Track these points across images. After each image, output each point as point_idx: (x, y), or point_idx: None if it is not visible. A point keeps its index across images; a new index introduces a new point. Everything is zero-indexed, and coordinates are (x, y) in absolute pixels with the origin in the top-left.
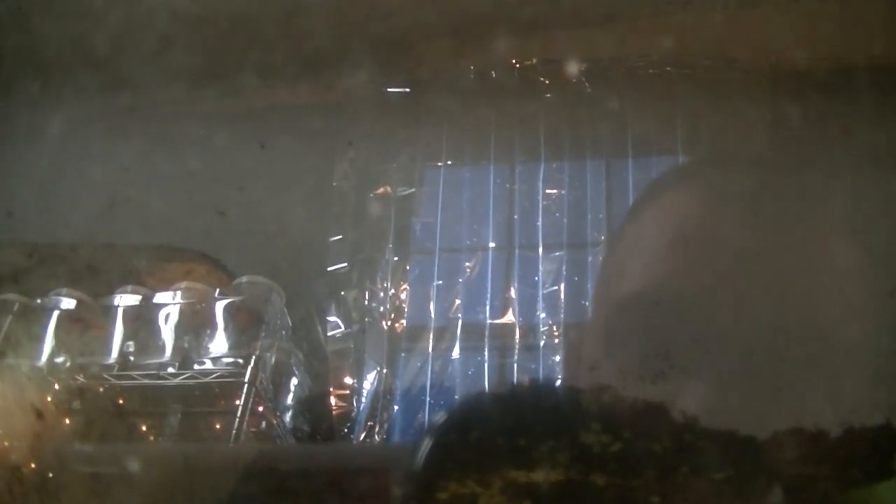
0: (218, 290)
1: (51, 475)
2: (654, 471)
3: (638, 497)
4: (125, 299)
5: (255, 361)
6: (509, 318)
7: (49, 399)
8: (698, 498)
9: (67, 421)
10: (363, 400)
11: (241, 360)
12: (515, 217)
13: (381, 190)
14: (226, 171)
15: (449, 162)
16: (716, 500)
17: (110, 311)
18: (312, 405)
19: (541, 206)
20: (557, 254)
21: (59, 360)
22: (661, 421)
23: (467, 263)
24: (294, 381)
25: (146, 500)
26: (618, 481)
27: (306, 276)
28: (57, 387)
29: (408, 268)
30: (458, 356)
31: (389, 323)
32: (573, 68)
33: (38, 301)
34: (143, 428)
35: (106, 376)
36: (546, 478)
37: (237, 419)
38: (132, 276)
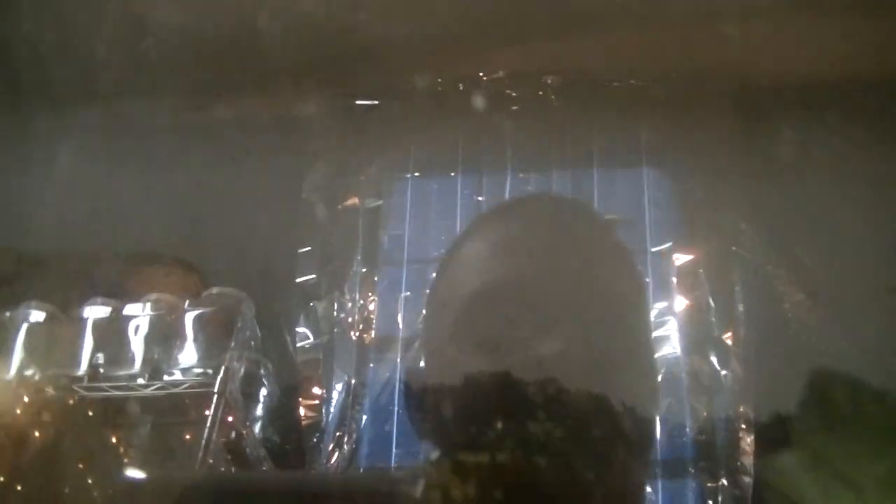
0: (188, 301)
1: (19, 488)
2: (591, 452)
3: (575, 475)
4: (95, 311)
5: (224, 372)
6: None
7: (18, 412)
8: (629, 474)
9: (37, 434)
10: (332, 410)
11: (210, 371)
12: None
13: (349, 202)
14: (196, 185)
15: (416, 174)
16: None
17: (80, 322)
18: (282, 415)
19: None
20: None
21: (29, 372)
22: (602, 410)
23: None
24: (263, 391)
25: None
26: (558, 461)
27: (275, 288)
28: (27, 399)
29: (376, 279)
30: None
31: (358, 333)
32: (540, 81)
33: (7, 314)
34: (114, 439)
35: (75, 388)
36: (492, 460)
37: (207, 429)
38: (118, 280)
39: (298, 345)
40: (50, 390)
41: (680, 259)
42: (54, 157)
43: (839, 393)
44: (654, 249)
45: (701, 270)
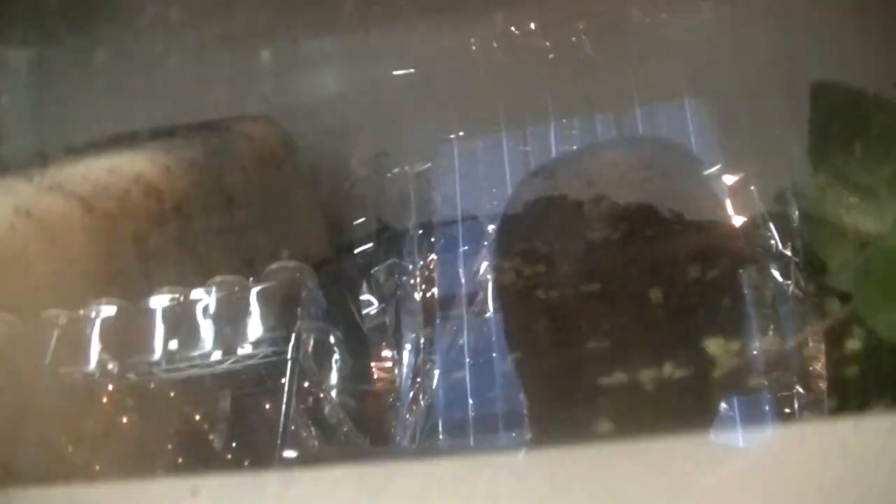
0: (251, 278)
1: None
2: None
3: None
4: (162, 300)
5: (294, 341)
6: None
7: (105, 400)
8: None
9: (125, 419)
10: (404, 369)
11: (281, 342)
12: None
13: (397, 169)
14: None
15: (461, 133)
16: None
17: (150, 312)
18: (356, 380)
19: None
20: None
21: (109, 364)
22: (650, 216)
23: (490, 226)
24: (335, 357)
25: None
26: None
27: (337, 259)
28: (110, 387)
29: (433, 239)
30: (490, 315)
31: (421, 293)
32: (571, 28)
33: (81, 311)
34: (197, 417)
35: (154, 371)
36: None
37: (285, 396)
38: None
39: (364, 312)
40: (130, 377)
41: (730, 179)
42: None
43: (842, 103)
44: (704, 173)
45: (752, 188)
